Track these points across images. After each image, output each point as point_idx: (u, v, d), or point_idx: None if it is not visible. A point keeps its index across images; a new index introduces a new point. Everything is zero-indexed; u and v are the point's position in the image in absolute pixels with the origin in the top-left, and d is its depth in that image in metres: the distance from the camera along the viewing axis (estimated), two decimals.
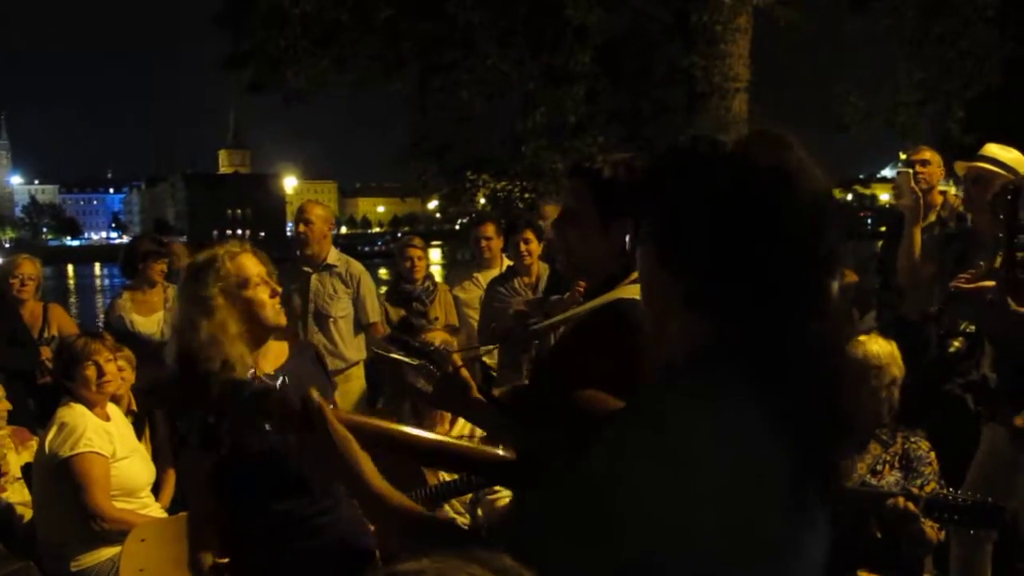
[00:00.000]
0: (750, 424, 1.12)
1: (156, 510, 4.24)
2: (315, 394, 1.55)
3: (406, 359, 2.09)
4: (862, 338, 3.60)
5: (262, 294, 2.66)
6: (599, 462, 1.14)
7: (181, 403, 1.58)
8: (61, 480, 3.87)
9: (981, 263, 3.92)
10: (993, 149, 4.71)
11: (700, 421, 1.11)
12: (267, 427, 1.60)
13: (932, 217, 5.19)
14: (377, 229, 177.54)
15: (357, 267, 5.86)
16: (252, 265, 2.71)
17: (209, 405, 1.57)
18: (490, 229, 6.35)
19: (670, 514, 1.07)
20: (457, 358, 2.00)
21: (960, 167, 4.87)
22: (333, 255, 5.80)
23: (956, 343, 4.02)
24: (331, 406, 1.58)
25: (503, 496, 3.46)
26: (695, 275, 1.17)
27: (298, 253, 5.77)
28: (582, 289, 2.64)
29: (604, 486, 1.11)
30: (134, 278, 6.05)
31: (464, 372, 1.97)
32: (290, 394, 1.61)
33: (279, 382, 1.61)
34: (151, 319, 5.90)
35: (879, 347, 3.52)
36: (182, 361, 2.44)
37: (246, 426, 1.57)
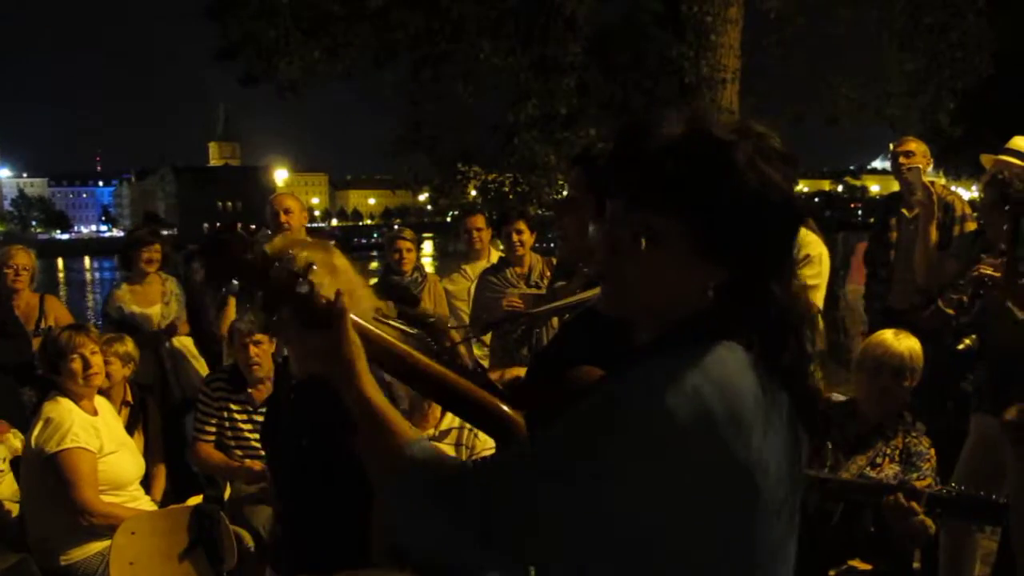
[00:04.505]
0: (756, 376, 1.21)
1: (146, 503, 4.23)
2: (341, 297, 1.56)
3: (405, 327, 2.09)
4: (900, 335, 3.54)
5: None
6: (594, 412, 1.20)
7: (218, 262, 1.57)
8: (48, 476, 3.86)
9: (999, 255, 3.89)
10: (1019, 141, 4.68)
11: (719, 376, 1.18)
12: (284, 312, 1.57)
13: (917, 209, 5.19)
14: (368, 221, 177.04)
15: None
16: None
17: (241, 269, 1.57)
18: (479, 221, 6.34)
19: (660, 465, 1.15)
20: (455, 335, 2.01)
21: (986, 160, 4.86)
22: None
23: (967, 341, 4.02)
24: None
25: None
26: (739, 265, 1.24)
27: None
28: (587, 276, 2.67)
29: (600, 434, 1.17)
30: (131, 270, 6.09)
31: (462, 349, 1.99)
32: (317, 286, 1.59)
33: (308, 270, 1.59)
34: (150, 311, 5.95)
35: (915, 347, 3.49)
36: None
37: (269, 304, 1.56)
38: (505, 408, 1.72)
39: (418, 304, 5.74)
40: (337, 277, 2.23)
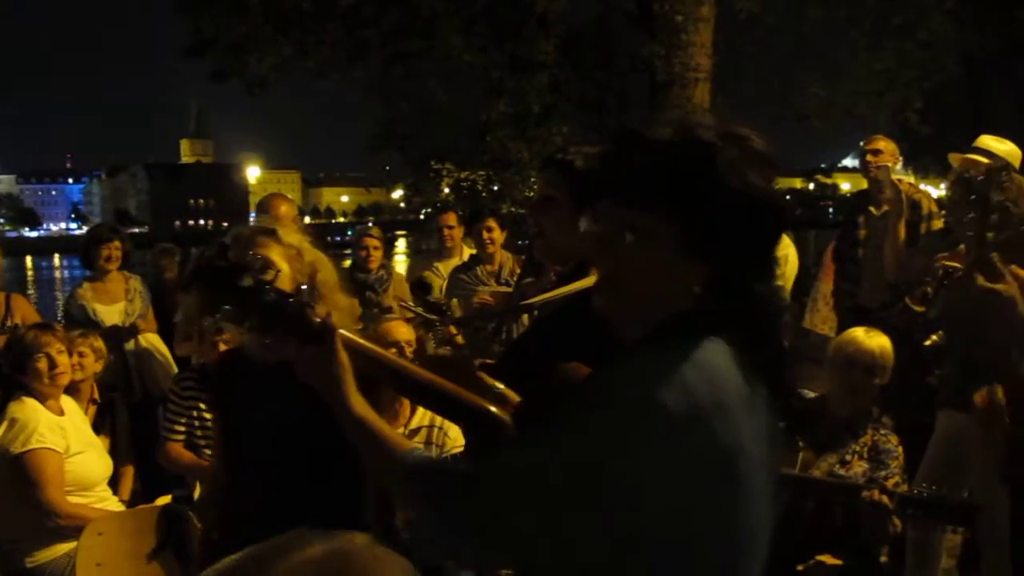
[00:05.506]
0: (740, 369, 1.28)
1: (113, 504, 4.19)
2: (333, 316, 1.65)
3: (427, 315, 2.11)
4: (871, 332, 3.61)
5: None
6: (586, 411, 1.26)
7: (214, 289, 1.63)
8: (14, 477, 3.81)
9: (961, 247, 3.94)
10: (987, 140, 4.74)
11: (706, 369, 1.25)
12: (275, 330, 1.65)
13: (886, 206, 5.24)
14: (341, 219, 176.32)
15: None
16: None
17: (234, 294, 1.62)
18: (451, 218, 6.36)
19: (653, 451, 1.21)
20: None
21: (954, 159, 4.91)
22: None
23: (935, 337, 4.07)
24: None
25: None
26: (727, 262, 1.30)
27: None
28: (555, 274, 2.70)
29: (598, 425, 1.23)
30: (93, 268, 6.04)
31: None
32: (307, 304, 1.67)
33: (302, 291, 1.66)
34: (113, 308, 5.92)
35: (885, 344, 3.55)
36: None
37: (263, 326, 1.64)
38: (493, 409, 1.76)
39: (380, 303, 5.74)
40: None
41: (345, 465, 2.67)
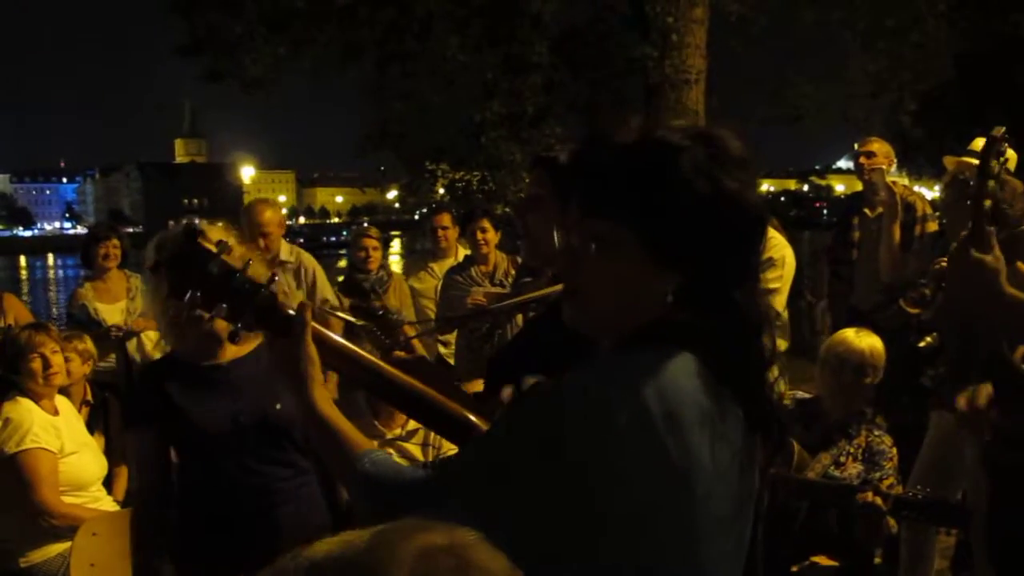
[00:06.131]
0: (703, 383, 1.21)
1: (108, 504, 4.18)
2: (308, 310, 1.61)
3: (350, 319, 2.09)
4: (861, 333, 3.63)
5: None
6: (565, 406, 1.20)
7: (182, 274, 1.60)
8: (7, 477, 3.79)
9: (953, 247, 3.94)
10: (981, 144, 4.75)
11: (660, 378, 1.19)
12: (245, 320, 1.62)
13: (880, 208, 5.25)
14: (336, 219, 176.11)
15: (310, 261, 5.71)
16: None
17: (202, 281, 1.61)
18: (446, 219, 6.35)
19: (632, 460, 1.16)
20: (410, 329, 2.03)
21: (949, 161, 4.93)
22: (284, 250, 5.58)
23: (928, 339, 4.08)
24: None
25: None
26: (693, 270, 1.24)
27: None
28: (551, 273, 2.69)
29: (569, 432, 1.17)
30: (92, 267, 6.05)
31: (417, 343, 2.00)
32: (281, 296, 1.66)
33: (275, 282, 1.64)
34: (115, 307, 5.91)
35: (877, 345, 3.57)
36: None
37: (233, 313, 1.61)
38: (468, 414, 1.72)
39: (374, 299, 5.71)
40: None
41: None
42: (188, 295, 1.61)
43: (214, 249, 1.63)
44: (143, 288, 6.03)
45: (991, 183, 3.26)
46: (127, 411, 2.86)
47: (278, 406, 2.82)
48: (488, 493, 1.21)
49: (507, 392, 1.66)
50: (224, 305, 1.61)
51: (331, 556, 0.75)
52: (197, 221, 5.53)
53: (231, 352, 2.75)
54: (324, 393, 1.55)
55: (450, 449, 3.45)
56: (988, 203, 3.29)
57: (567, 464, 1.16)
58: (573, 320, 1.32)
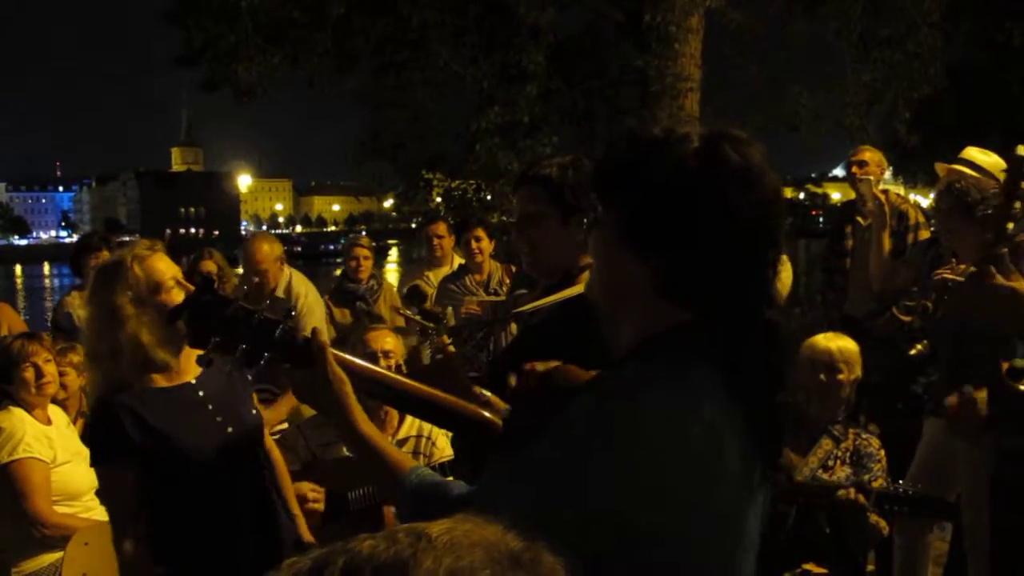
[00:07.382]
0: (715, 400, 1.22)
1: (100, 513, 4.15)
2: (320, 333, 1.65)
3: (423, 321, 2.10)
4: (829, 335, 3.77)
5: (176, 297, 2.55)
6: (578, 427, 1.22)
7: (202, 323, 1.65)
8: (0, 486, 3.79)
9: (953, 260, 3.94)
10: (972, 152, 4.75)
11: (672, 394, 1.21)
12: (267, 355, 1.66)
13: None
14: (333, 228, 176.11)
15: (300, 289, 5.39)
16: (165, 268, 2.61)
17: (221, 326, 1.64)
18: (441, 228, 6.38)
19: (641, 478, 1.17)
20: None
21: (940, 168, 4.94)
22: (282, 286, 5.30)
23: (919, 347, 4.10)
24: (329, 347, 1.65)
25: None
26: (667, 262, 1.25)
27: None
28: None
29: (581, 450, 1.19)
30: (82, 276, 6.01)
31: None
32: (296, 328, 1.69)
33: (287, 316, 1.69)
34: None
35: (846, 345, 3.69)
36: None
37: (251, 355, 1.66)
38: (489, 416, 1.76)
39: (371, 313, 5.73)
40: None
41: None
42: (237, 350, 1.65)
43: (230, 295, 1.68)
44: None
45: (1017, 204, 3.27)
46: (92, 450, 2.75)
47: (253, 411, 2.82)
48: (534, 504, 1.20)
49: (512, 381, 1.68)
50: (244, 347, 1.65)
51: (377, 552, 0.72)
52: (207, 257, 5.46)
53: (193, 368, 2.68)
54: (361, 413, 1.58)
55: (441, 458, 3.45)
56: (1011, 225, 3.30)
57: (613, 480, 1.17)
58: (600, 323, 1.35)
